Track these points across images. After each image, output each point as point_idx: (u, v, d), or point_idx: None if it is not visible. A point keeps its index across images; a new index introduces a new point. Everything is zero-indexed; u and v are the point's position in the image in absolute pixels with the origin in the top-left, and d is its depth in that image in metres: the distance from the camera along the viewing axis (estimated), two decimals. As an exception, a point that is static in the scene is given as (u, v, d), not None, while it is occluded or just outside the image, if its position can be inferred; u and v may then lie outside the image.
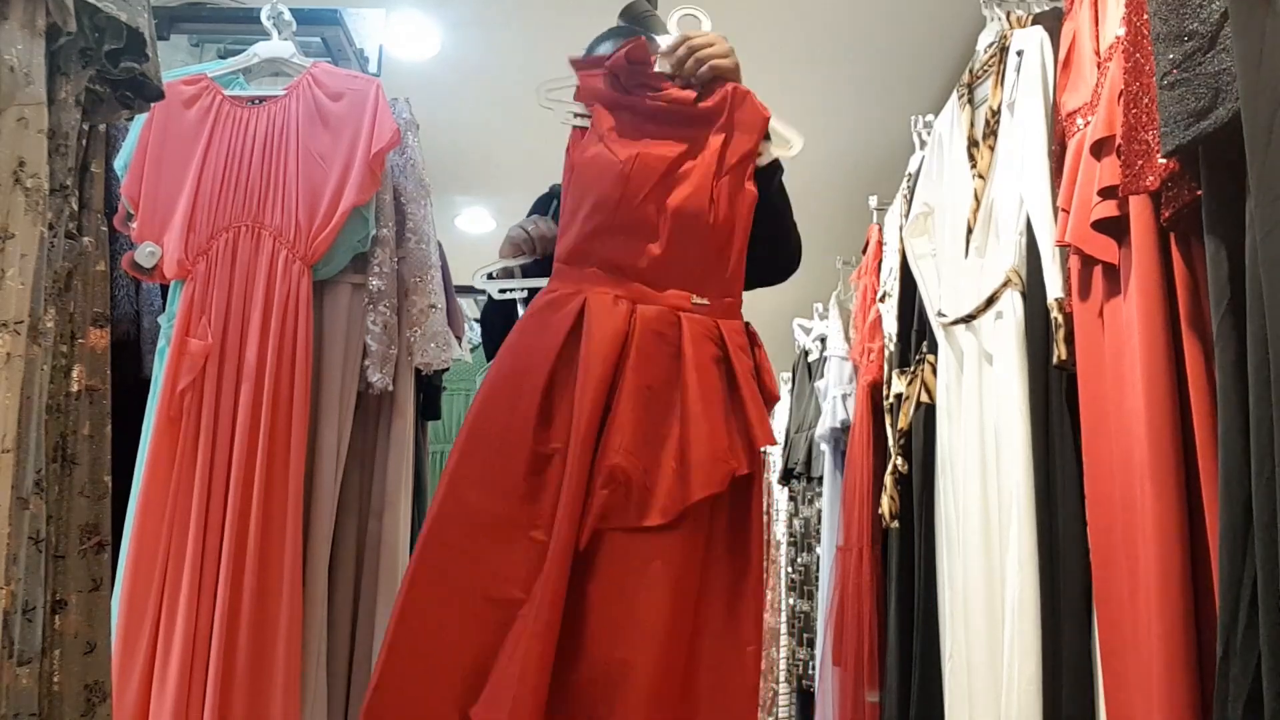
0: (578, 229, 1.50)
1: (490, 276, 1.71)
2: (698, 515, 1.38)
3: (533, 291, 1.62)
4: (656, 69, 1.60)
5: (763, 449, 1.47)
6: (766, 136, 1.60)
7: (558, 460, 1.38)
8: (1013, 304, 1.72)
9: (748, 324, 1.54)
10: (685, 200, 1.48)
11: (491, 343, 1.77)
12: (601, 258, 1.49)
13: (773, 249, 1.64)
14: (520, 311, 1.67)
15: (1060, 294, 1.61)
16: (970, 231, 1.90)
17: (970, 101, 2.03)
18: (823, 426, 3.30)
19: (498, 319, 1.75)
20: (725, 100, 1.57)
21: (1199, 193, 1.20)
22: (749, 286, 1.62)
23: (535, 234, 1.69)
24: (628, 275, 1.48)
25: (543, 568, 1.31)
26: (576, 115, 1.57)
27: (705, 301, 1.48)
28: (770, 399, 1.50)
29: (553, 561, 1.31)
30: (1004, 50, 1.90)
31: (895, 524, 2.17)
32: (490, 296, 1.73)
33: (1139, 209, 1.36)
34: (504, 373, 1.47)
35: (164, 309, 1.85)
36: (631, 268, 1.48)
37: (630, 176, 1.49)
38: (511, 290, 1.70)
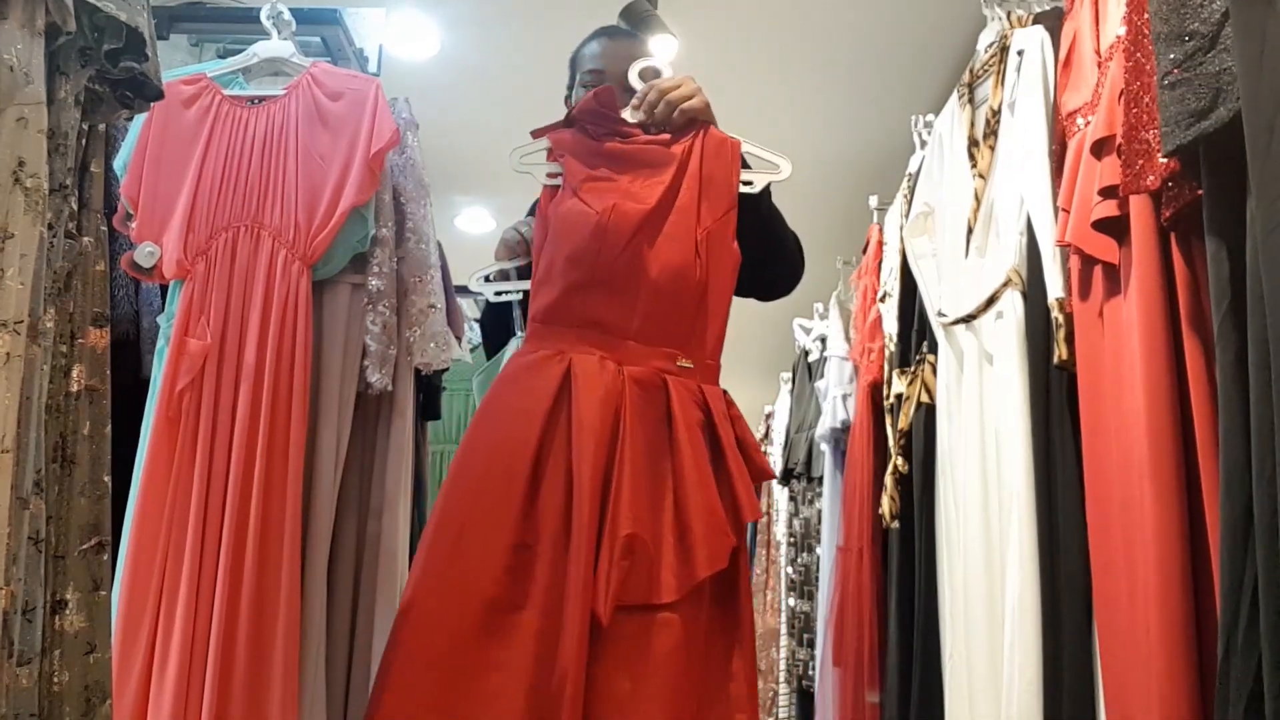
0: (555, 286, 1.44)
1: (487, 279, 1.71)
2: (698, 590, 1.33)
3: (527, 294, 1.59)
4: (627, 116, 1.56)
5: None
6: (746, 164, 1.58)
7: (545, 540, 1.31)
8: (1013, 304, 1.72)
9: (725, 391, 1.48)
10: (668, 254, 1.42)
11: (490, 344, 1.78)
12: (582, 316, 1.42)
13: (773, 269, 1.63)
14: (517, 314, 1.67)
15: (1061, 294, 1.61)
16: (971, 231, 1.90)
17: (971, 101, 2.03)
18: (823, 426, 3.31)
19: (494, 321, 1.75)
20: (698, 142, 1.52)
21: (1200, 192, 1.20)
22: (750, 295, 1.61)
23: (530, 235, 1.69)
24: (611, 334, 1.41)
25: (559, 645, 1.26)
26: (551, 176, 1.56)
27: (690, 364, 1.42)
28: (760, 475, 1.44)
29: (574, 640, 1.25)
30: (1004, 50, 1.90)
31: (895, 524, 2.17)
32: (488, 300, 1.74)
33: (1139, 209, 1.36)
34: (485, 443, 1.41)
35: (163, 309, 1.85)
36: (614, 325, 1.42)
37: (608, 228, 1.42)
38: (507, 292, 1.69)
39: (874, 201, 3.18)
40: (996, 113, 1.89)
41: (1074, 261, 1.58)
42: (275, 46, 1.97)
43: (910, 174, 2.45)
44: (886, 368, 2.50)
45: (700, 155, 1.50)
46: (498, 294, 1.71)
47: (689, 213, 1.45)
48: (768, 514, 4.75)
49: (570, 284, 1.44)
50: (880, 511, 2.21)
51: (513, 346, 1.69)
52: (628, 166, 1.48)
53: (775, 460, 4.42)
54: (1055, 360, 1.60)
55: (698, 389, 1.43)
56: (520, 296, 1.69)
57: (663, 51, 1.62)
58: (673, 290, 1.42)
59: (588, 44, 1.78)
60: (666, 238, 1.44)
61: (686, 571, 1.31)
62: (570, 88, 1.79)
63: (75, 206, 1.10)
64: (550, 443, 1.36)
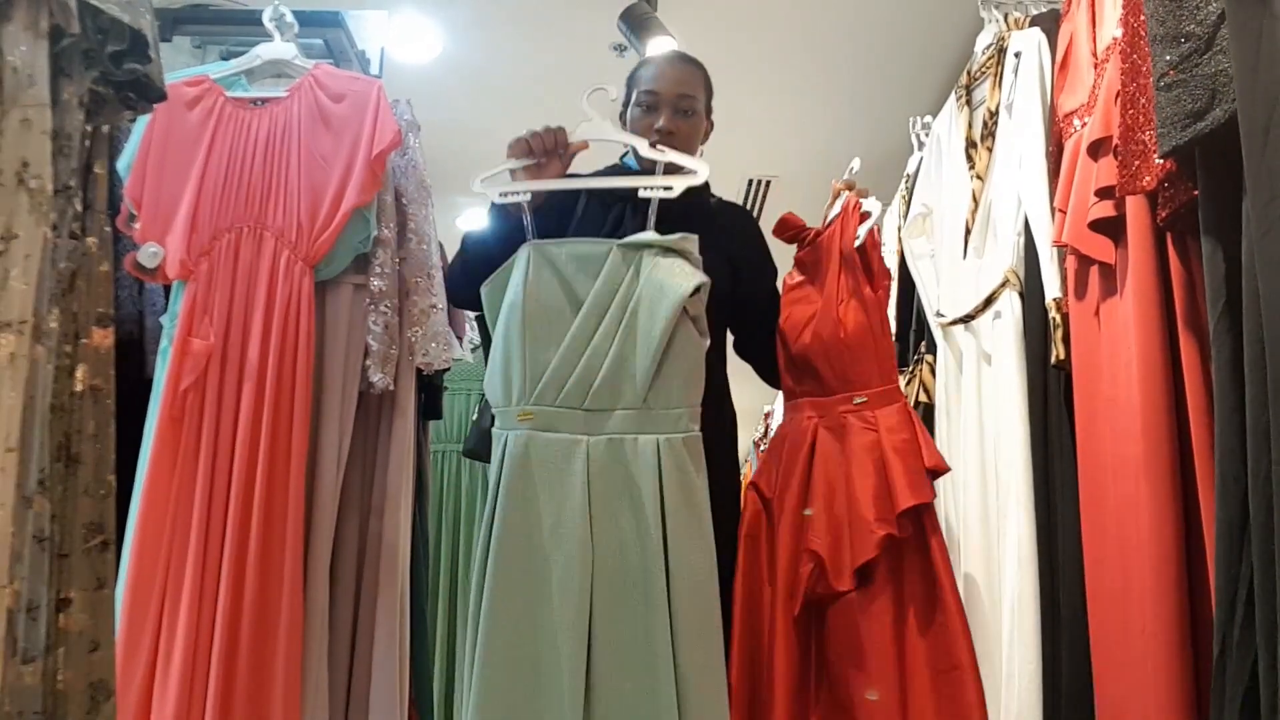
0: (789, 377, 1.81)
1: (502, 194, 1.68)
2: (879, 571, 1.60)
3: (535, 195, 1.64)
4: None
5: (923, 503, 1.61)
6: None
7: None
8: (1011, 304, 1.72)
9: (905, 404, 1.69)
10: (816, 330, 1.73)
11: (483, 253, 1.68)
12: (800, 390, 1.79)
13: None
14: (529, 220, 1.64)
15: (1058, 294, 1.62)
16: (968, 232, 1.91)
17: (968, 103, 2.04)
18: (823, 427, 3.30)
19: (502, 226, 1.70)
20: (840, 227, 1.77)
21: (1195, 193, 1.20)
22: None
23: (542, 137, 1.67)
24: (813, 394, 1.76)
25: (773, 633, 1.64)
26: (503, 195, 1.66)
27: (864, 399, 1.69)
28: (931, 470, 1.62)
29: (783, 625, 1.64)
30: (1002, 52, 1.91)
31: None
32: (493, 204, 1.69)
33: (1136, 209, 1.37)
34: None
35: (167, 309, 1.86)
36: (811, 390, 1.76)
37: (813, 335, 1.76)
38: (514, 194, 1.66)
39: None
40: (994, 114, 1.90)
41: (1070, 262, 1.59)
42: (278, 48, 1.98)
43: (908, 175, 2.45)
44: (886, 368, 2.51)
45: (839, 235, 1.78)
46: (502, 195, 1.66)
47: (830, 286, 1.75)
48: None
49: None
50: (880, 511, 2.21)
51: (524, 253, 1.59)
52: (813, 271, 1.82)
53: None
54: (1053, 360, 1.61)
55: (872, 415, 1.68)
56: (528, 197, 1.65)
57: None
58: (833, 354, 1.73)
59: (647, 65, 1.84)
60: (810, 314, 1.78)
61: (849, 563, 1.61)
62: (625, 104, 1.83)
63: (79, 207, 1.10)
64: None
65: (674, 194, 1.64)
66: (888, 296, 1.74)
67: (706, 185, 1.85)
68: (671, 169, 1.66)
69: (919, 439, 1.62)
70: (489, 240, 1.73)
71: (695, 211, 1.78)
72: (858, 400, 1.69)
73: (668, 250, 1.56)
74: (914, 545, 1.61)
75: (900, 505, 1.57)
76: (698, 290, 1.53)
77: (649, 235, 1.58)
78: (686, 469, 1.50)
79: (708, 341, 1.57)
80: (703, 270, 1.57)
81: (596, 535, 1.48)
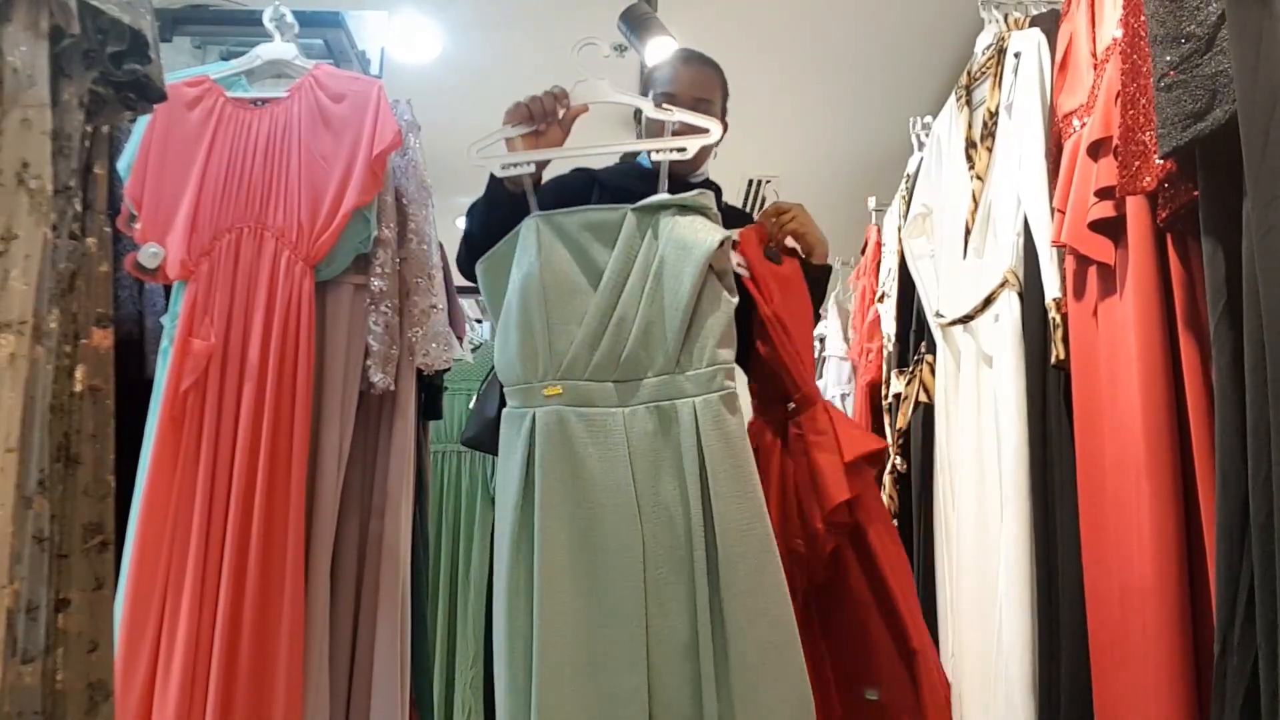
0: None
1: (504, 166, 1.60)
2: (827, 569, 1.63)
3: (537, 167, 1.59)
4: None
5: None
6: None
7: None
8: (1010, 304, 1.72)
9: (823, 402, 1.72)
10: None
11: (486, 233, 1.61)
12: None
13: None
14: (532, 197, 1.57)
15: (1058, 294, 1.62)
16: (968, 232, 1.91)
17: (968, 103, 2.04)
18: (822, 427, 3.30)
19: (505, 201, 1.63)
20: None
21: (1195, 194, 1.20)
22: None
23: (542, 100, 1.61)
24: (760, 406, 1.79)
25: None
26: (505, 167, 1.60)
27: (794, 405, 1.70)
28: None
29: None
30: (1002, 52, 1.91)
31: (894, 522, 2.17)
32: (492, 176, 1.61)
33: (1136, 210, 1.37)
34: None
35: (167, 309, 1.86)
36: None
37: None
38: (517, 165, 1.59)
39: (872, 202, 3.18)
40: (994, 114, 1.90)
41: (1070, 262, 1.59)
42: (278, 49, 1.98)
43: (908, 175, 2.45)
44: (885, 368, 2.51)
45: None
46: (505, 167, 1.59)
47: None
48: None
49: None
50: (879, 511, 2.21)
51: (531, 225, 1.53)
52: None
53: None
54: (1052, 360, 1.61)
55: (799, 422, 1.69)
56: (531, 168, 1.59)
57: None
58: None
59: (664, 66, 1.83)
60: None
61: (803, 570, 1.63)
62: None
63: (79, 208, 1.10)
64: None
65: (688, 155, 1.61)
66: (792, 300, 1.71)
67: (719, 190, 1.85)
68: (685, 131, 1.62)
69: (836, 435, 1.61)
70: (490, 215, 1.67)
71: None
72: (791, 407, 1.68)
73: (685, 208, 1.52)
74: (851, 541, 1.61)
75: (824, 511, 1.57)
76: (723, 244, 1.50)
77: (664, 196, 1.54)
78: (726, 426, 1.45)
79: (736, 299, 1.54)
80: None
81: (643, 509, 1.45)
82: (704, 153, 1.77)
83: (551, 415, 1.48)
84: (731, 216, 1.90)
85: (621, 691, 1.39)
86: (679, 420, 1.46)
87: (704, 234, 1.50)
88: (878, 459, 1.65)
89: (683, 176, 1.76)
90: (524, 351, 1.51)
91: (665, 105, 1.70)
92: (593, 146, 1.72)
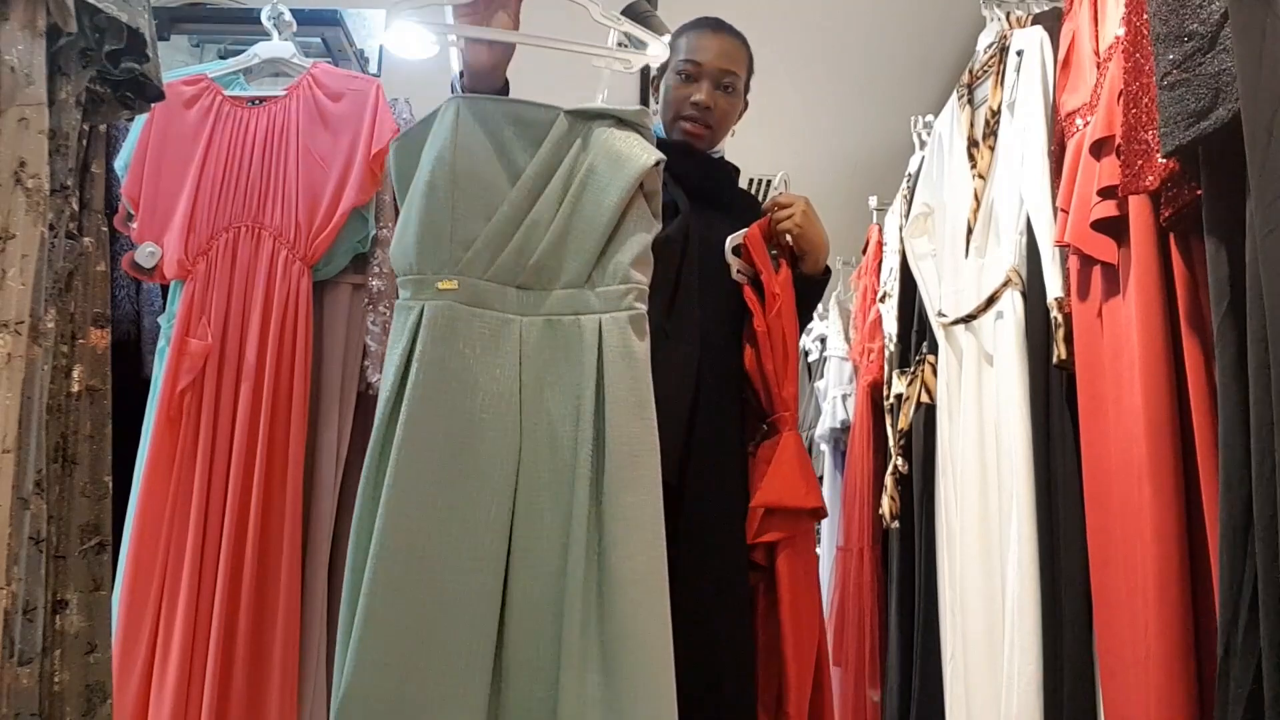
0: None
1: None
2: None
3: (474, 50, 1.43)
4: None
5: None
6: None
7: None
8: (1013, 304, 1.72)
9: (779, 436, 1.68)
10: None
11: None
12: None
13: None
14: (457, 69, 1.44)
15: (1060, 294, 1.61)
16: (970, 232, 1.90)
17: (970, 102, 2.03)
18: (823, 427, 3.31)
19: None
20: None
21: (1199, 193, 1.20)
22: None
23: None
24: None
25: None
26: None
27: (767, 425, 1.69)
28: None
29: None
30: (1004, 50, 1.90)
31: (895, 524, 2.17)
32: None
33: (1139, 209, 1.37)
34: None
35: (164, 309, 1.85)
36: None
37: None
38: (435, 28, 1.45)
39: (874, 202, 3.18)
40: (996, 113, 1.89)
41: (1073, 262, 1.58)
42: (276, 47, 1.97)
43: (910, 174, 2.45)
44: (886, 368, 2.51)
45: None
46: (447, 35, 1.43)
47: None
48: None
49: None
50: (880, 511, 2.21)
51: (450, 106, 1.40)
52: None
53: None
54: (1055, 360, 1.60)
55: (764, 445, 1.66)
56: (459, 42, 1.44)
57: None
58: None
59: (689, 32, 1.74)
60: None
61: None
62: (661, 72, 1.76)
63: (76, 207, 1.10)
64: None
65: (632, 70, 1.53)
66: (785, 318, 1.66)
67: (737, 171, 1.82)
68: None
69: (770, 474, 1.59)
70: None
71: (726, 188, 1.76)
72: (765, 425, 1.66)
73: (622, 122, 1.43)
74: (766, 586, 1.59)
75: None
76: (657, 164, 1.41)
77: (601, 105, 1.45)
78: (631, 347, 1.36)
79: (659, 226, 1.44)
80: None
81: (525, 427, 1.33)
82: (725, 127, 1.72)
83: (443, 310, 1.35)
84: (746, 204, 1.86)
85: (467, 592, 1.27)
86: (582, 336, 1.36)
87: (639, 150, 1.41)
88: (795, 512, 1.58)
89: (699, 150, 1.72)
90: (423, 237, 1.38)
91: (688, 73, 1.66)
92: (534, 37, 1.52)
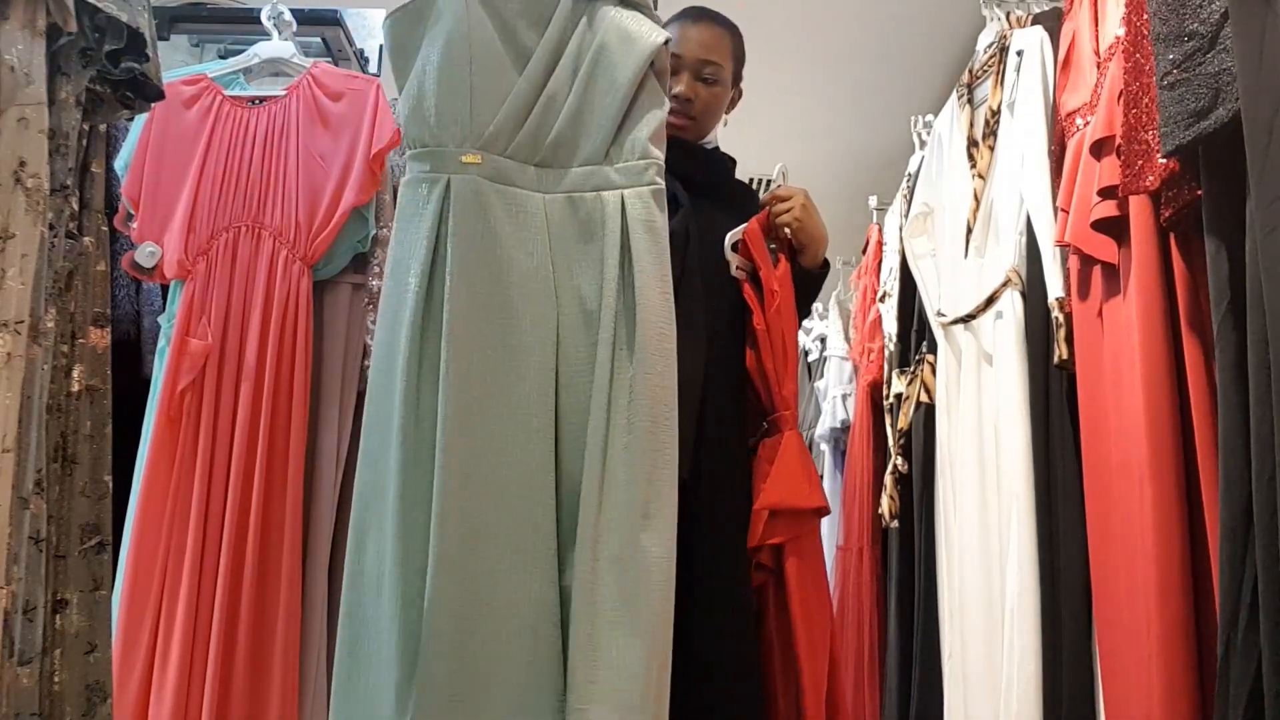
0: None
1: None
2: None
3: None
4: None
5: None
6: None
7: None
8: (1012, 304, 1.72)
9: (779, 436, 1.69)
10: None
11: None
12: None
13: None
14: None
15: (1060, 294, 1.62)
16: (970, 231, 1.90)
17: (970, 101, 2.03)
18: (822, 426, 3.31)
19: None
20: None
21: (1199, 193, 1.20)
22: None
23: None
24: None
25: None
26: None
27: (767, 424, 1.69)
28: None
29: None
30: (1004, 50, 1.90)
31: (895, 524, 2.17)
32: None
33: (1139, 209, 1.37)
34: None
35: (164, 309, 1.85)
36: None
37: None
38: None
39: (874, 201, 3.18)
40: (996, 113, 1.89)
41: (1073, 261, 1.58)
42: (276, 47, 1.97)
43: (910, 174, 2.45)
44: (886, 367, 2.51)
45: None
46: None
47: None
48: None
49: None
50: (880, 511, 2.21)
51: None
52: None
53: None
54: (1055, 360, 1.60)
55: (765, 444, 1.66)
56: None
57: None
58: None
59: (671, 25, 1.71)
60: None
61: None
62: None
63: (76, 207, 1.10)
64: None
65: None
66: (784, 315, 1.66)
67: (733, 162, 1.82)
68: None
69: (773, 475, 1.58)
70: None
71: (723, 181, 1.76)
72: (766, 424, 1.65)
73: (626, 2, 1.44)
74: (774, 587, 1.58)
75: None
76: (666, 44, 1.43)
77: None
78: (655, 222, 1.36)
79: (669, 105, 1.46)
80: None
81: (560, 300, 1.34)
82: (711, 118, 1.71)
83: (470, 184, 1.33)
84: (743, 196, 1.83)
85: (528, 469, 1.28)
86: (604, 211, 1.36)
87: (648, 29, 1.42)
88: (799, 513, 1.57)
89: (690, 141, 1.70)
90: (443, 111, 1.35)
91: (674, 104, 1.61)
92: None
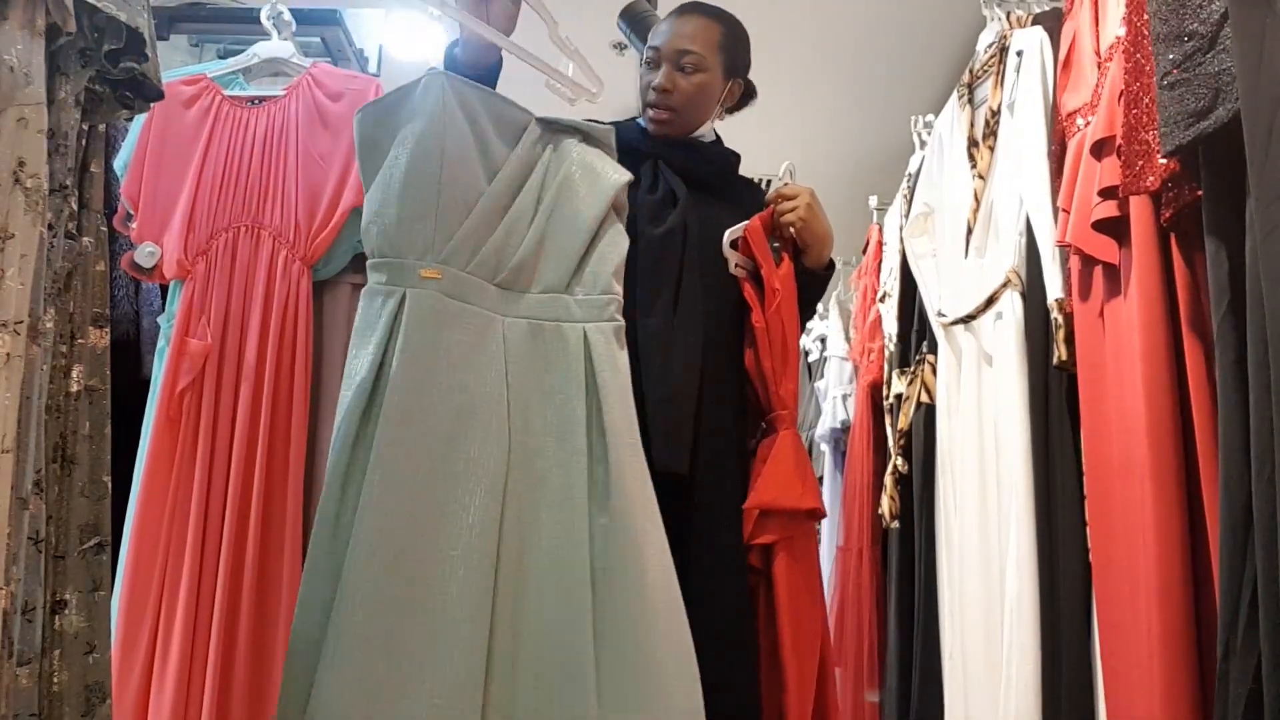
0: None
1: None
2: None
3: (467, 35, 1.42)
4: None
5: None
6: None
7: None
8: (1012, 304, 1.72)
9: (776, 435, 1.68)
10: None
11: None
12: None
13: None
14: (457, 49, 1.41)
15: (1060, 294, 1.61)
16: (970, 232, 1.90)
17: (970, 102, 2.03)
18: (823, 427, 3.31)
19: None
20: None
21: (1199, 193, 1.19)
22: None
23: None
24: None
25: None
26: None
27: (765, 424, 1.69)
28: None
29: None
30: (1004, 50, 1.90)
31: (895, 524, 2.17)
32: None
33: (1139, 209, 1.36)
34: None
35: (163, 309, 1.85)
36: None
37: None
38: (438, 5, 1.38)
39: (874, 202, 3.18)
40: (996, 113, 1.89)
41: (1074, 262, 1.58)
42: (275, 47, 1.97)
43: (910, 174, 2.45)
44: (886, 368, 2.50)
45: None
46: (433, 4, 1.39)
47: None
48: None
49: None
50: (880, 511, 2.21)
51: (437, 82, 1.35)
52: None
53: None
54: (1054, 361, 1.60)
55: (762, 444, 1.67)
56: (456, 31, 1.42)
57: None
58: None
59: (658, 21, 1.73)
60: None
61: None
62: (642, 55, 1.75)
63: (75, 207, 1.10)
64: None
65: (575, 101, 1.57)
66: (784, 315, 1.64)
67: (738, 158, 1.81)
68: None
69: (767, 474, 1.58)
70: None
71: (724, 175, 1.75)
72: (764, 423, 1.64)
73: (589, 138, 1.46)
74: (765, 589, 1.57)
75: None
76: (627, 184, 1.45)
77: (574, 119, 1.48)
78: (619, 360, 1.35)
79: (628, 243, 1.45)
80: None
81: (513, 428, 1.28)
82: (696, 110, 1.67)
83: (427, 298, 1.27)
84: (749, 192, 1.82)
85: (455, 599, 1.19)
86: (566, 345, 1.34)
87: (611, 168, 1.45)
88: (791, 513, 1.56)
89: (684, 136, 1.70)
90: (407, 217, 1.30)
91: (650, 60, 1.66)
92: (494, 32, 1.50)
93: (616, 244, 1.43)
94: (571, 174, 1.42)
